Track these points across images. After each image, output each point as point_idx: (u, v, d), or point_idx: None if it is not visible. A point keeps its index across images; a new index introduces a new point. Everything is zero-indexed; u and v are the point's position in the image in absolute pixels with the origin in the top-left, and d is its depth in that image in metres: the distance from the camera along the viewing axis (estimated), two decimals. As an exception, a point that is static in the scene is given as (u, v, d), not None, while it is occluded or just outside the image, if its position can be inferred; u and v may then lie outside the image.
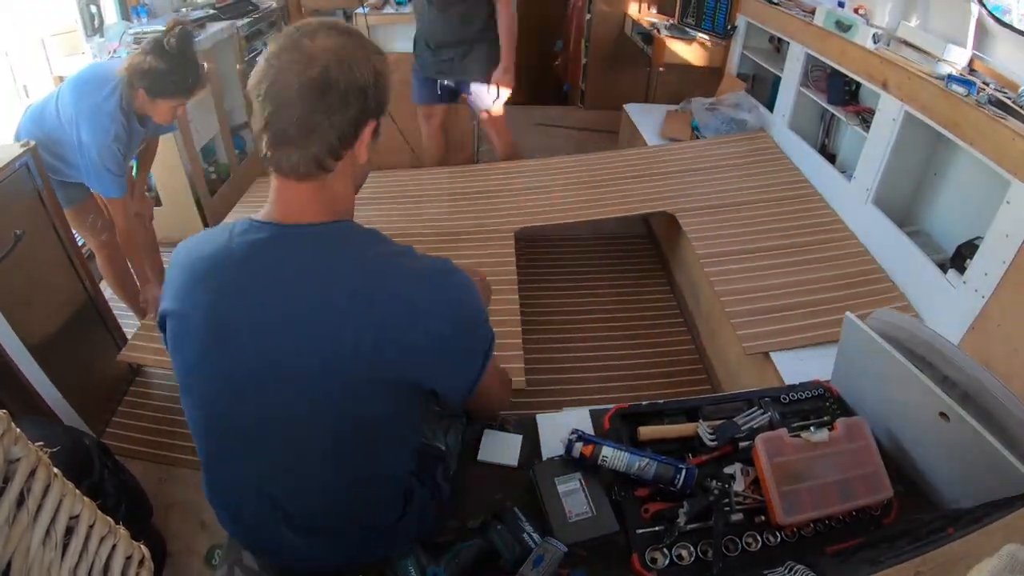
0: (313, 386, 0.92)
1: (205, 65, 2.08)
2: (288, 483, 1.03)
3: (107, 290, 2.58)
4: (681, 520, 1.22)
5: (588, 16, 4.63)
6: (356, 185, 1.01)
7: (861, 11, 2.63)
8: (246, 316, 0.91)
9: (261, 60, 0.88)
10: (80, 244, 2.21)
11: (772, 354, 2.01)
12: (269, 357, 0.91)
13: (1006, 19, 2.12)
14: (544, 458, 1.41)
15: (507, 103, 3.02)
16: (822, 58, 2.81)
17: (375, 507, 1.10)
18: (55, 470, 0.86)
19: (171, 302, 0.98)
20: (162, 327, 1.02)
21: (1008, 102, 1.89)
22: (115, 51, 2.79)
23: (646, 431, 1.41)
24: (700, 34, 3.83)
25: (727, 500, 1.26)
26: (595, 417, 1.51)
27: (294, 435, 0.97)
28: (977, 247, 1.95)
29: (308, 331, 0.89)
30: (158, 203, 3.08)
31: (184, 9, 3.46)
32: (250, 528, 1.13)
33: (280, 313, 0.90)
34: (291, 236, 0.91)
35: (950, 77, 2.06)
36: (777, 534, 1.23)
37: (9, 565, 0.73)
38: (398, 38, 3.63)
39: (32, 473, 0.81)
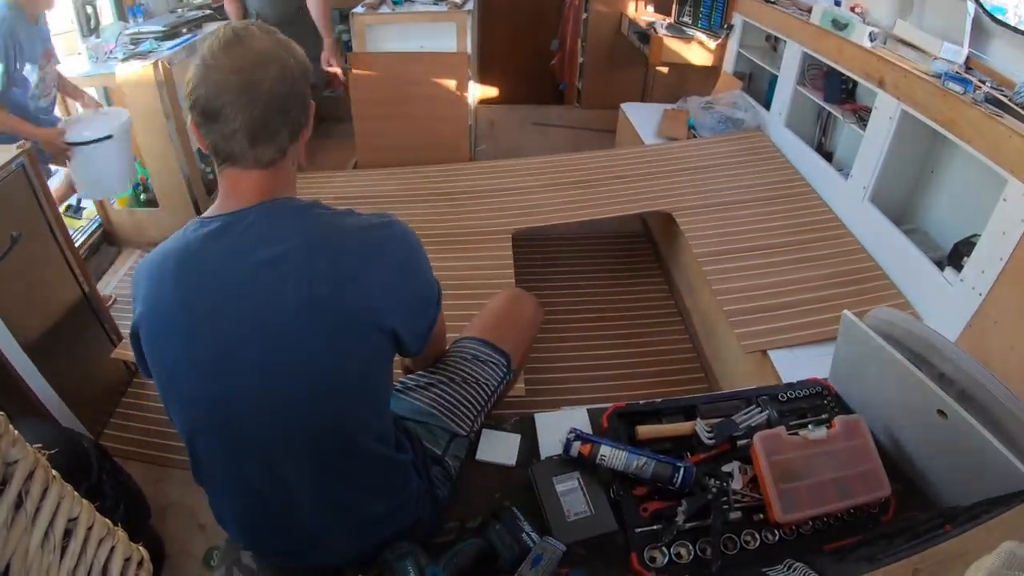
0: (285, 344, 0.95)
1: None
2: (280, 461, 1.03)
3: (104, 291, 2.57)
4: (679, 519, 1.22)
5: (584, 15, 4.63)
6: (297, 164, 1.07)
7: (857, 9, 2.63)
8: (213, 300, 0.95)
9: (198, 62, 0.93)
10: (78, 244, 2.21)
11: (770, 352, 2.01)
12: (242, 332, 0.95)
13: (1007, 19, 2.13)
14: (542, 457, 1.41)
15: (502, 102, 3.07)
16: (819, 56, 2.82)
17: (370, 481, 1.11)
18: (53, 472, 0.85)
19: (142, 306, 1.00)
20: (135, 338, 1.03)
21: (1005, 100, 1.89)
22: (111, 52, 2.79)
23: (644, 430, 1.41)
24: (696, 33, 3.84)
25: (725, 498, 1.26)
26: (593, 416, 1.51)
27: (275, 402, 0.98)
28: (974, 245, 1.95)
29: (271, 294, 0.94)
30: (154, 204, 3.08)
31: (180, 10, 3.45)
32: (249, 524, 1.13)
33: (243, 287, 0.95)
34: (239, 219, 0.97)
35: (947, 75, 2.06)
36: (775, 532, 1.23)
37: (8, 568, 0.73)
38: (393, 38, 3.63)
39: (30, 475, 0.80)
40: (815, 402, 1.49)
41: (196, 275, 0.97)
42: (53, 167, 2.60)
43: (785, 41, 3.11)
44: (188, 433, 1.04)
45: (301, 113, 0.99)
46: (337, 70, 3.36)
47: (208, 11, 3.41)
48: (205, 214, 1.01)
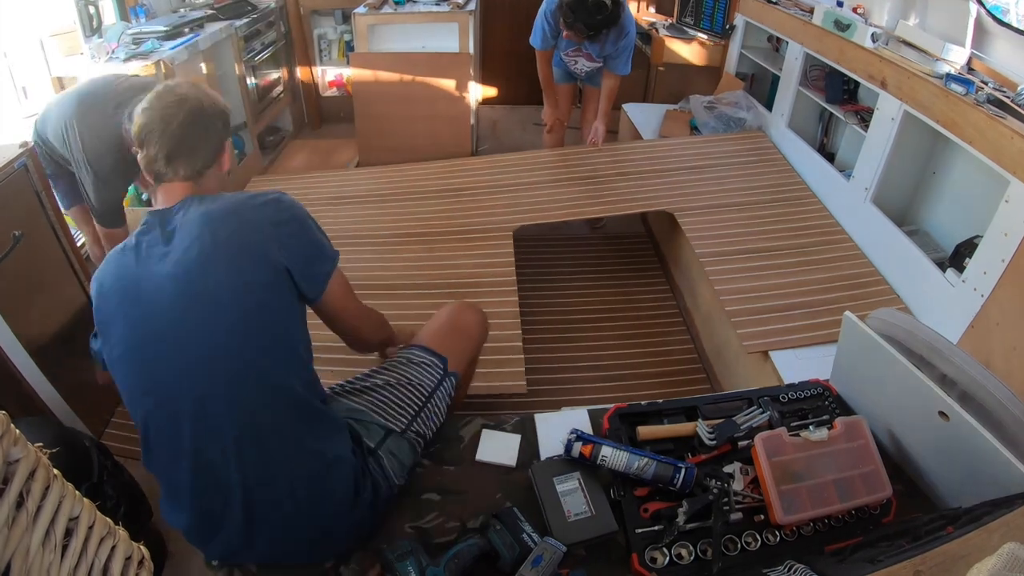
0: (196, 287, 1.12)
1: None
2: (212, 415, 1.12)
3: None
4: (680, 519, 1.22)
5: (587, 16, 4.62)
6: (221, 185, 1.32)
7: (860, 10, 2.63)
8: (148, 279, 1.14)
9: (140, 110, 1.22)
10: (80, 244, 2.21)
11: (771, 353, 2.01)
12: (161, 289, 1.12)
13: (1005, 19, 2.12)
14: (543, 458, 1.41)
15: (504, 103, 3.04)
16: (821, 57, 2.82)
17: (300, 430, 1.17)
18: (54, 471, 0.85)
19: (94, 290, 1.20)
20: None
21: (1007, 101, 1.89)
22: (113, 51, 2.79)
23: (645, 431, 1.41)
24: (698, 33, 3.83)
25: (726, 499, 1.26)
26: (594, 417, 1.51)
27: (192, 342, 1.12)
28: (976, 246, 1.95)
29: (183, 256, 1.13)
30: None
31: (183, 10, 3.45)
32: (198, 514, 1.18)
33: (160, 264, 1.14)
34: (168, 212, 1.20)
35: (949, 76, 2.06)
36: (776, 533, 1.23)
37: (9, 567, 0.73)
38: (395, 38, 3.63)
39: (31, 474, 0.80)
40: (816, 403, 1.48)
41: (134, 262, 1.16)
42: None
43: (787, 42, 3.11)
44: (140, 412, 1.16)
45: (214, 144, 1.26)
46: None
47: (210, 11, 3.42)
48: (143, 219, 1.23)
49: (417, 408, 1.37)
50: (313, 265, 1.24)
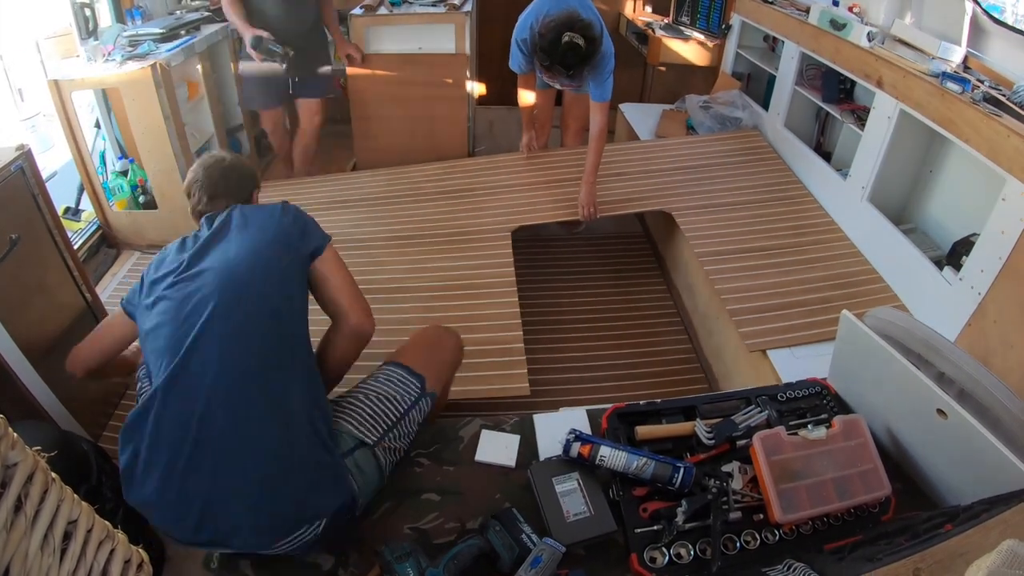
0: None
1: None
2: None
3: (102, 293, 2.56)
4: (679, 519, 1.23)
5: (583, 16, 4.61)
6: None
7: (855, 9, 2.63)
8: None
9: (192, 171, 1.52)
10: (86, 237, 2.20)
11: (769, 352, 2.01)
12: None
13: (1002, 18, 2.13)
14: (541, 458, 1.41)
15: (501, 103, 3.02)
16: (817, 56, 2.82)
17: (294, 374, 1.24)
18: (52, 475, 0.85)
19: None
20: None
21: (1003, 99, 1.89)
22: (109, 53, 2.79)
23: (644, 430, 1.41)
24: (695, 33, 3.84)
25: (725, 499, 1.26)
26: (593, 417, 1.51)
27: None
28: (973, 244, 1.95)
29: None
30: (153, 206, 3.07)
31: (179, 12, 3.45)
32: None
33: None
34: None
35: (945, 75, 2.06)
36: (775, 532, 1.23)
37: (7, 570, 0.73)
38: (392, 39, 3.63)
39: (29, 478, 0.80)
40: (814, 402, 1.49)
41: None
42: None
43: (783, 41, 3.11)
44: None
45: (248, 191, 1.57)
46: (354, 52, 3.43)
47: (206, 13, 3.41)
48: None
49: (391, 421, 1.36)
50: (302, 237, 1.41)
